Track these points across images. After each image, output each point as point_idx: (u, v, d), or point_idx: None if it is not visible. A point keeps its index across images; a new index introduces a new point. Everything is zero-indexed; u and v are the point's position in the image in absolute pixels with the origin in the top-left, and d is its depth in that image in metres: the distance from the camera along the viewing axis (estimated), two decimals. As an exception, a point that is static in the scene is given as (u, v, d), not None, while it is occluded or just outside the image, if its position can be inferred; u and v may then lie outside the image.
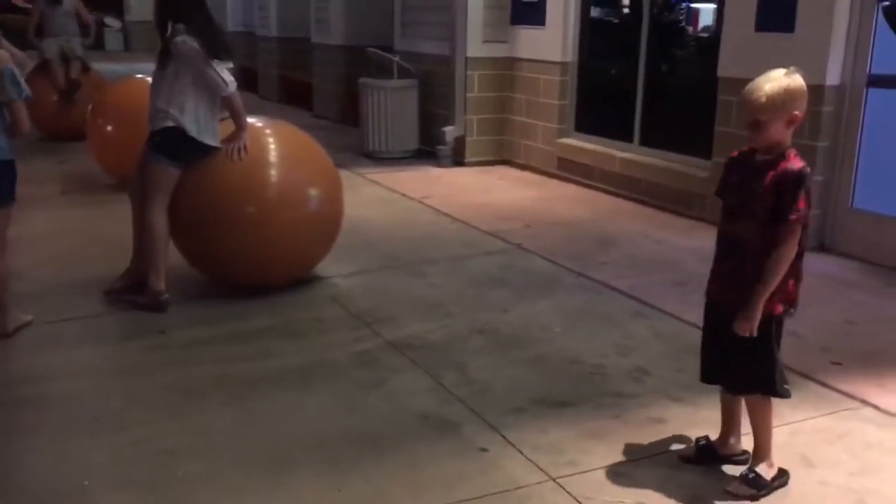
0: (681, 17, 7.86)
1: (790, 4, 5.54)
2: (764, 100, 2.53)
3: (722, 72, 6.08)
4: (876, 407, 3.38)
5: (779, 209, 2.56)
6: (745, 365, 2.72)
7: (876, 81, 5.36)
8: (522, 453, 3.02)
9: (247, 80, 15.35)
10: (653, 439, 3.12)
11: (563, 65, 7.77)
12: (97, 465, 2.93)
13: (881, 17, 5.31)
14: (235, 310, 4.39)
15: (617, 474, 2.89)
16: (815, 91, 5.31)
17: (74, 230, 6.02)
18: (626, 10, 8.12)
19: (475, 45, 8.26)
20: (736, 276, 2.66)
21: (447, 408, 3.38)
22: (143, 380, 3.63)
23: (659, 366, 3.77)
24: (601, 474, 2.90)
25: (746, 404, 2.82)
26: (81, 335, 4.10)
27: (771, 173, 2.59)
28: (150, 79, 7.19)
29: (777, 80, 2.55)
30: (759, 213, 2.59)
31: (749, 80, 2.63)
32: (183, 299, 4.51)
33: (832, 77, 5.41)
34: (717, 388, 2.92)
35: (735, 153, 2.78)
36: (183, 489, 2.80)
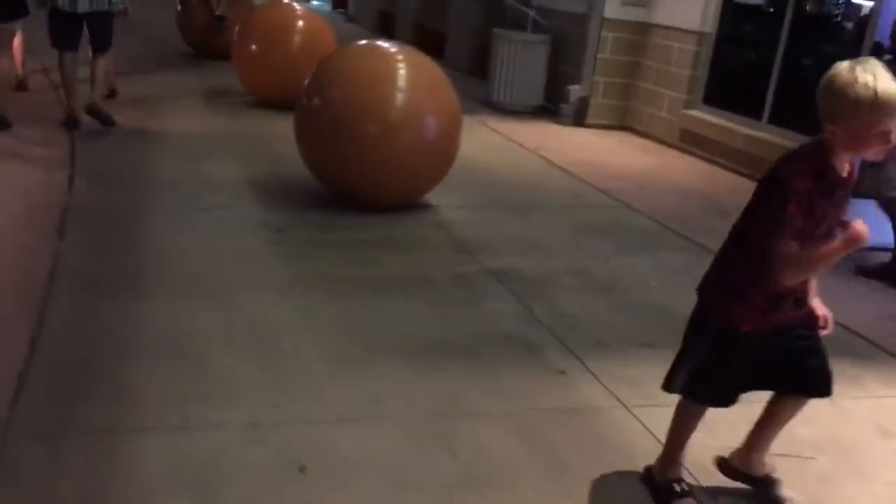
0: (836, 10, 7.63)
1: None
2: None
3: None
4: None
5: None
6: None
7: None
8: (600, 381, 3.13)
9: (385, 24, 15.67)
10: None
11: (701, 35, 7.62)
12: (211, 330, 3.23)
13: None
14: (348, 221, 4.66)
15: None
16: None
17: (210, 133, 6.52)
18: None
19: (614, 6, 8.19)
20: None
21: (533, 332, 3.52)
22: (257, 267, 3.94)
23: (750, 328, 3.77)
24: (675, 411, 2.97)
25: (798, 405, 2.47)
26: (209, 224, 4.45)
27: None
28: (296, 5, 7.59)
29: None
30: None
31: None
32: (304, 207, 4.83)
33: None
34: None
35: (830, 163, 2.15)
36: (283, 360, 3.06)
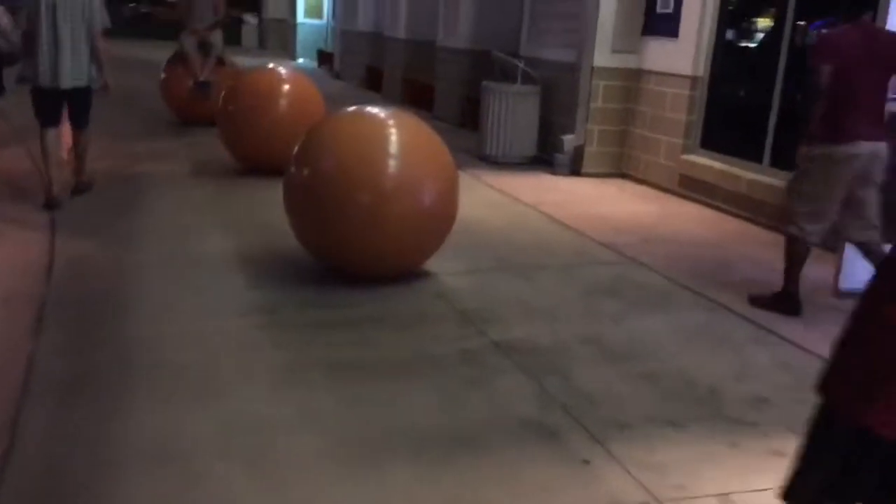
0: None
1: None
2: None
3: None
4: None
5: None
6: None
7: None
8: (628, 470, 2.87)
9: (372, 79, 15.65)
10: (773, 472, 2.90)
11: (694, 79, 7.50)
12: (202, 433, 2.97)
13: None
14: (345, 298, 4.41)
15: (730, 504, 2.70)
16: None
17: (196, 204, 6.33)
18: (763, 31, 7.81)
19: (603, 55, 8.08)
20: None
21: (549, 414, 3.26)
22: (251, 355, 3.68)
23: (781, 396, 3.52)
24: (713, 503, 2.71)
25: None
26: (196, 308, 4.20)
27: None
28: (281, 69, 7.45)
29: None
30: None
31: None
32: (296, 283, 4.58)
33: None
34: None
35: None
36: (280, 466, 2.79)
